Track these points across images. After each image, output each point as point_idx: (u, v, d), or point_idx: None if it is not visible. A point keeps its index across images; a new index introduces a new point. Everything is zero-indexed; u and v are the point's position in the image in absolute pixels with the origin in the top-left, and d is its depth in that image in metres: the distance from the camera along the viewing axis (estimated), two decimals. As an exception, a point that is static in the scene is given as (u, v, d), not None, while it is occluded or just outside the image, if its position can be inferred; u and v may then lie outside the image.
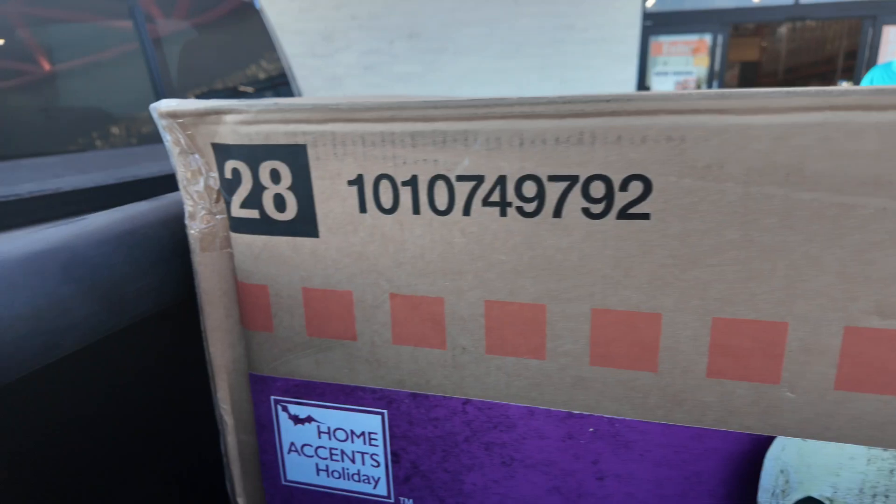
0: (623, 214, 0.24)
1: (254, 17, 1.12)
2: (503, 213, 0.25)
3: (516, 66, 4.04)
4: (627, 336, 0.25)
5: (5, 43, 0.76)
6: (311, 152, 0.27)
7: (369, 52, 4.24)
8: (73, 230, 0.27)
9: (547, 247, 0.25)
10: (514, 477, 0.29)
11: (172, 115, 0.28)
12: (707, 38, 4.16)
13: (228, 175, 0.28)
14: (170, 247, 0.30)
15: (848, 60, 5.26)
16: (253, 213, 0.29)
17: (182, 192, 0.29)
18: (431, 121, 0.25)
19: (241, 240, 0.29)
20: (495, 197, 0.25)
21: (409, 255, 0.27)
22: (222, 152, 0.28)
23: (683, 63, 4.25)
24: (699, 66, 4.20)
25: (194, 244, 0.30)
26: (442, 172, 0.25)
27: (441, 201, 0.26)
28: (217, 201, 0.29)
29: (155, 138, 0.94)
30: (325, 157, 0.27)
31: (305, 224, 0.28)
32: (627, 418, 0.27)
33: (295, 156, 0.27)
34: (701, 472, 0.26)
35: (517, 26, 3.97)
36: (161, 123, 0.28)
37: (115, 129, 0.89)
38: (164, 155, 0.84)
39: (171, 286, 0.30)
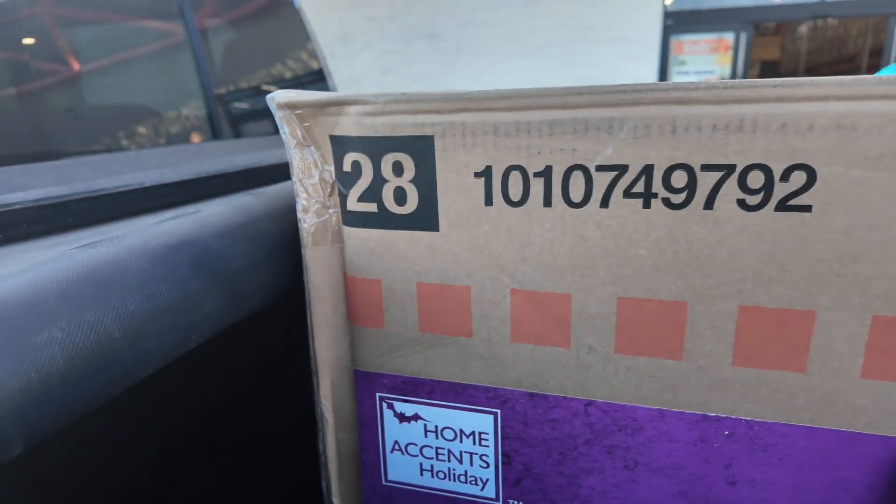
0: (782, 206, 0.22)
1: (293, 15, 1.13)
2: (646, 205, 0.24)
3: (535, 66, 4.02)
4: (776, 335, 0.24)
5: (57, 43, 0.77)
6: (438, 143, 0.26)
7: (387, 52, 4.25)
8: (193, 222, 0.26)
9: (694, 241, 0.24)
10: (636, 481, 0.28)
11: (291, 106, 0.27)
12: (728, 37, 4.11)
13: (347, 168, 0.28)
14: (280, 240, 0.30)
15: (873, 59, 5.17)
16: (370, 207, 0.28)
17: (296, 185, 0.29)
18: (573, 108, 0.24)
19: (354, 234, 0.29)
20: (639, 188, 0.24)
21: (536, 249, 0.26)
22: (341, 145, 0.27)
23: (704, 62, 4.20)
24: (721, 65, 4.15)
25: (306, 238, 0.29)
26: (580, 162, 0.24)
27: (576, 193, 0.25)
28: (330, 195, 0.29)
29: (202, 135, 0.94)
30: (452, 148, 0.26)
31: (426, 218, 0.27)
32: (768, 421, 0.25)
33: (421, 147, 0.26)
34: (847, 479, 0.25)
35: (535, 26, 3.95)
36: (277, 114, 0.28)
37: (163, 127, 0.90)
38: (213, 153, 0.83)
39: (281, 280, 0.30)
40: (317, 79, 1.25)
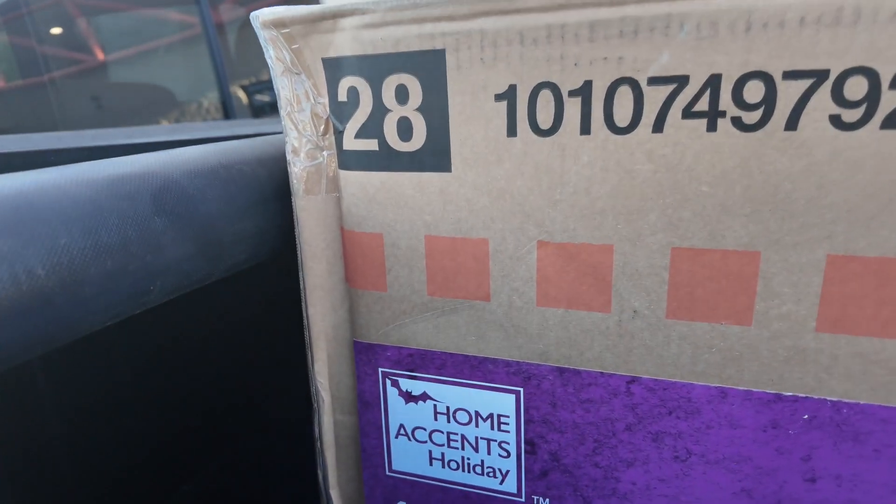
0: (891, 123, 0.17)
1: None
2: (712, 127, 0.19)
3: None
4: (877, 292, 0.19)
5: (79, 34, 0.76)
6: (450, 59, 0.21)
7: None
8: (162, 157, 0.22)
9: (771, 172, 0.19)
10: (688, 475, 0.23)
11: (278, 24, 0.23)
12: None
13: (343, 97, 0.23)
14: (269, 187, 0.26)
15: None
16: (370, 144, 0.24)
17: (284, 120, 0.24)
18: (619, 4, 0.19)
19: (352, 178, 0.24)
20: (702, 105, 0.19)
21: (570, 190, 0.21)
22: (336, 68, 0.23)
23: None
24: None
25: (297, 185, 0.25)
26: (628, 74, 0.19)
27: (622, 115, 0.20)
28: (325, 134, 0.25)
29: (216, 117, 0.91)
30: (467, 64, 0.21)
31: (435, 155, 0.23)
32: (862, 402, 0.20)
33: (429, 65, 0.22)
34: (963, 477, 0.20)
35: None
36: (263, 35, 0.24)
37: (178, 109, 0.87)
38: (221, 127, 0.80)
39: (269, 234, 0.26)
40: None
